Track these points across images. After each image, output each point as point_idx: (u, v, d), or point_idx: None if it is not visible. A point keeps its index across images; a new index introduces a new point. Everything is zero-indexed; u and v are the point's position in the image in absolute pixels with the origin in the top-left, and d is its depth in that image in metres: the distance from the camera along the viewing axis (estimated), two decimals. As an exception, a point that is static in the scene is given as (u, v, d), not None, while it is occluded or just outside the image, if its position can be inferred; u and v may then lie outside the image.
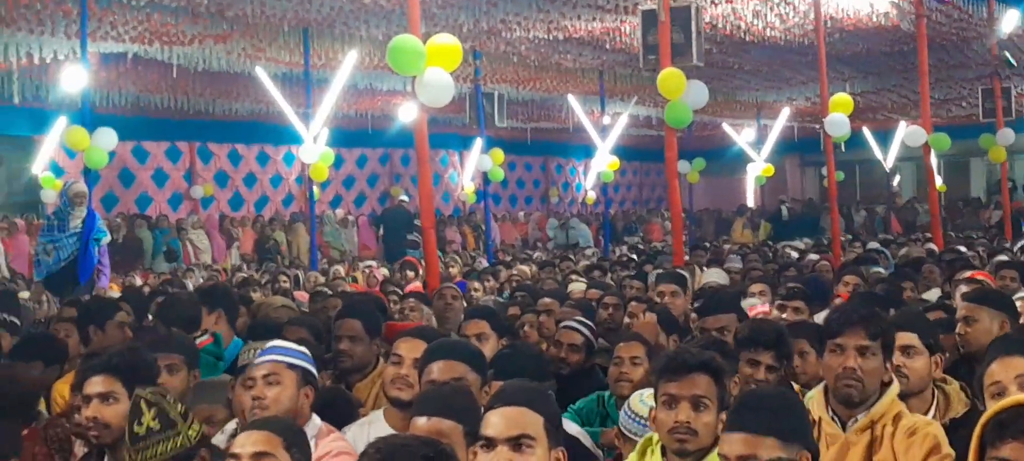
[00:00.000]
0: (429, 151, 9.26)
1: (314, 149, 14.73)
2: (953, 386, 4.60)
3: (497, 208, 26.93)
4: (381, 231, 21.96)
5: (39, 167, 19.68)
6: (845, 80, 20.52)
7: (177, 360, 4.99)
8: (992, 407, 2.76)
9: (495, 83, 19.11)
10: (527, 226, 28.79)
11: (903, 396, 4.18)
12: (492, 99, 19.10)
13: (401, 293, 9.73)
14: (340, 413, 4.68)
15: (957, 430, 4.05)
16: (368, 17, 14.15)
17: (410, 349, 4.57)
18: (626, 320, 7.22)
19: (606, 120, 21.01)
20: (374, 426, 4.41)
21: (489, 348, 5.49)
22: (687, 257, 12.88)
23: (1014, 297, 6.05)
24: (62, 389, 5.45)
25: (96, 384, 4.17)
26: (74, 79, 14.37)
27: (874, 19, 15.78)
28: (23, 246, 18.18)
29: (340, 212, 24.38)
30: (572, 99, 20.64)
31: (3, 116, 19.31)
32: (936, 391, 4.56)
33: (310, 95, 15.29)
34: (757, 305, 7.58)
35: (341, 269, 15.94)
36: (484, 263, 16.52)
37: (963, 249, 13.48)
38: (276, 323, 6.13)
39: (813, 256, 13.98)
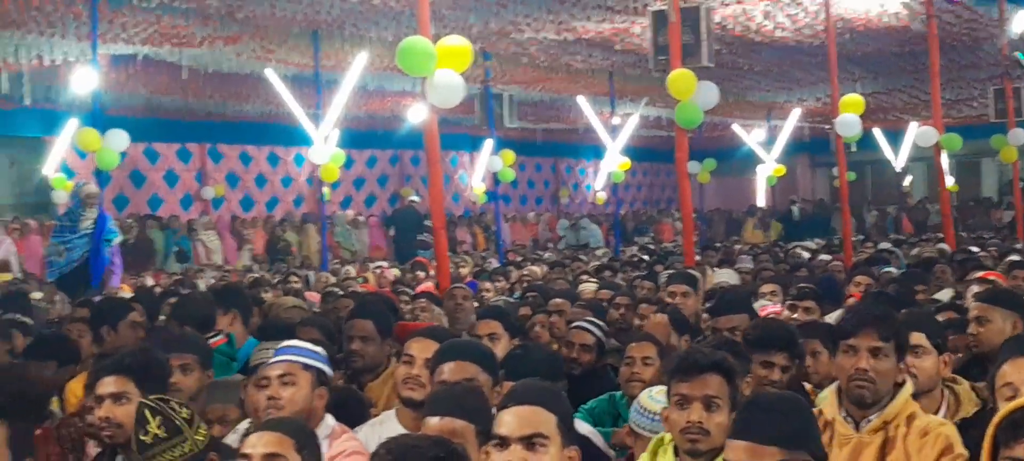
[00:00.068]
0: (439, 152, 9.26)
1: (324, 150, 14.76)
2: (963, 386, 4.59)
3: (507, 209, 26.92)
4: (392, 232, 22.00)
5: (50, 168, 19.74)
6: (856, 80, 20.48)
7: (191, 360, 4.99)
8: (1005, 407, 2.75)
9: (505, 84, 19.12)
10: (537, 226, 28.79)
11: (913, 396, 4.17)
12: (502, 100, 19.12)
13: (412, 294, 9.73)
14: (352, 413, 4.68)
15: (968, 430, 4.03)
16: (378, 19, 14.18)
17: (422, 349, 4.57)
18: (636, 322, 7.22)
19: (616, 121, 21.01)
20: (386, 426, 4.41)
21: (501, 348, 5.50)
22: (698, 257, 12.87)
23: (1026, 297, 6.02)
24: (75, 389, 5.46)
25: (108, 384, 4.18)
26: (85, 81, 14.42)
27: (885, 20, 15.76)
28: (35, 247, 18.22)
29: (350, 213, 24.40)
30: (582, 100, 20.65)
31: (14, 117, 19.37)
32: (946, 391, 4.55)
33: (320, 96, 15.32)
34: (768, 305, 7.57)
35: (352, 270, 15.96)
36: (495, 263, 16.52)
37: (975, 249, 13.45)
38: (287, 323, 6.14)
39: (824, 256, 13.98)
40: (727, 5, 14.37)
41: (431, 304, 8.16)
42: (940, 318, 6.02)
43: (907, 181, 30.81)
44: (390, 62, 15.12)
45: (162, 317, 7.83)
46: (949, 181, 17.76)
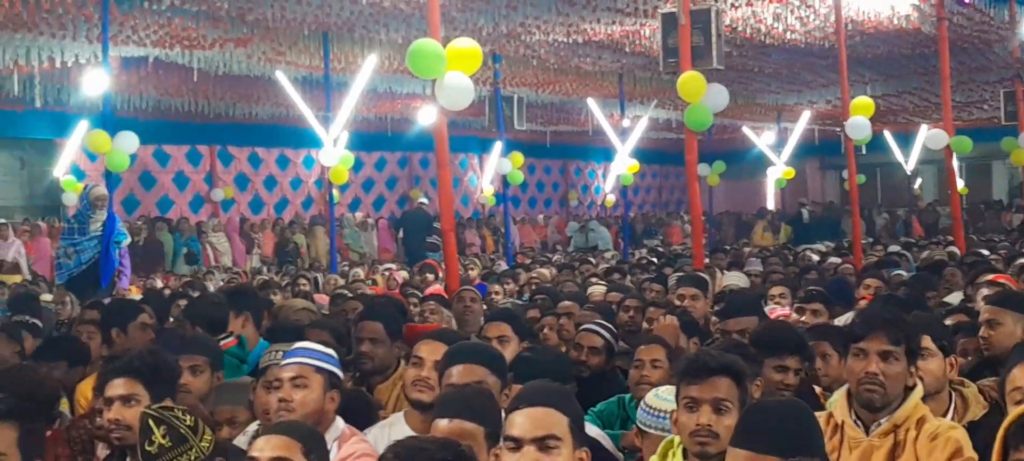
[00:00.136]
0: (449, 154, 9.25)
1: (334, 152, 14.77)
2: (971, 389, 4.58)
3: (516, 211, 26.94)
4: (401, 234, 22.02)
5: (60, 170, 19.80)
6: (866, 83, 20.46)
7: (201, 361, 5.00)
8: (1015, 411, 2.74)
9: (514, 86, 19.11)
10: (546, 229, 28.78)
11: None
12: (511, 102, 19.09)
13: (421, 296, 9.73)
14: (361, 415, 4.68)
15: (976, 432, 4.03)
16: (388, 21, 14.19)
17: (431, 351, 4.57)
18: (645, 325, 7.21)
19: (625, 123, 21.00)
20: (395, 428, 4.41)
21: (510, 351, 5.50)
22: (707, 260, 12.86)
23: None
24: (86, 390, 5.47)
25: (118, 386, 4.18)
26: (95, 83, 14.44)
27: (895, 22, 15.71)
28: (45, 249, 18.27)
29: (359, 215, 24.44)
30: (591, 102, 20.64)
31: (25, 119, 19.42)
32: (953, 394, 4.54)
33: (330, 98, 15.34)
34: (777, 308, 7.57)
35: (361, 272, 15.98)
36: (503, 266, 16.51)
37: (985, 252, 13.43)
38: (297, 325, 6.14)
39: (834, 259, 13.95)
40: (737, 7, 14.35)
41: (440, 306, 8.15)
42: (950, 321, 6.03)
43: (917, 184, 30.77)
44: (400, 64, 15.15)
45: (172, 319, 7.85)
46: (959, 184, 17.75)
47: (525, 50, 16.71)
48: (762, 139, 25.90)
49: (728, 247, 20.71)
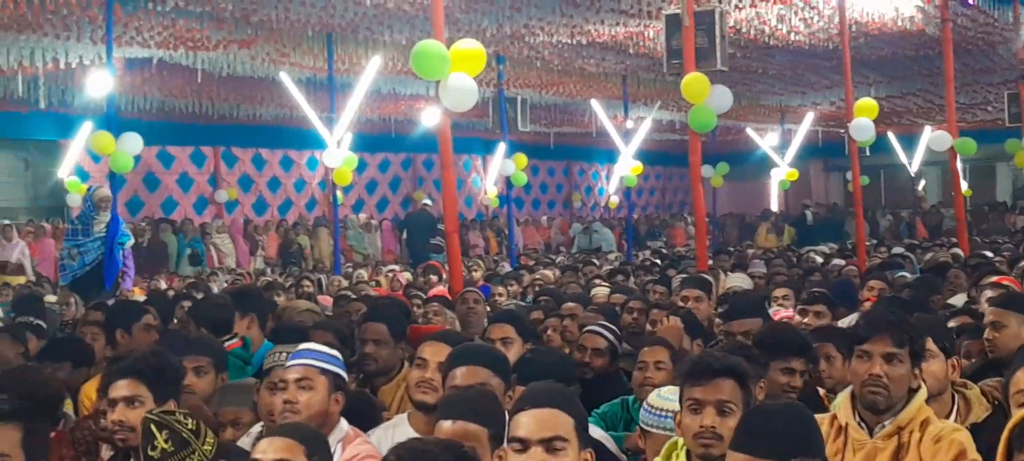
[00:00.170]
0: (452, 155, 9.26)
1: (337, 154, 14.78)
2: (974, 390, 4.58)
3: (520, 212, 26.93)
4: (404, 235, 22.02)
5: (65, 171, 19.84)
6: (870, 84, 20.45)
7: (205, 362, 5.00)
8: (1020, 413, 2.74)
9: (518, 88, 19.13)
10: (550, 230, 28.77)
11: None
12: (515, 103, 19.13)
13: (424, 297, 9.73)
14: (364, 416, 4.68)
15: (979, 434, 4.03)
16: (392, 22, 14.20)
17: (434, 353, 4.57)
18: (648, 326, 7.21)
19: (629, 124, 21.00)
20: (398, 429, 4.40)
21: (514, 352, 5.49)
22: (711, 262, 12.85)
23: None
24: (90, 391, 5.47)
25: (121, 388, 4.17)
26: (99, 84, 14.46)
27: (899, 23, 15.71)
28: (49, 250, 18.29)
29: (363, 216, 24.44)
30: (595, 103, 20.65)
31: (29, 121, 19.45)
32: (956, 395, 4.54)
33: (334, 100, 15.35)
34: (781, 310, 7.56)
35: (364, 273, 15.98)
36: (507, 267, 16.52)
37: (989, 254, 13.41)
38: (300, 327, 6.13)
39: (838, 261, 13.93)
40: (741, 9, 14.35)
41: (444, 308, 8.15)
42: (954, 323, 6.02)
43: (921, 185, 30.72)
44: (404, 66, 15.17)
45: (176, 320, 7.86)
46: (963, 186, 17.72)
47: (529, 51, 16.72)
48: (766, 141, 25.90)
49: (732, 249, 20.68)
